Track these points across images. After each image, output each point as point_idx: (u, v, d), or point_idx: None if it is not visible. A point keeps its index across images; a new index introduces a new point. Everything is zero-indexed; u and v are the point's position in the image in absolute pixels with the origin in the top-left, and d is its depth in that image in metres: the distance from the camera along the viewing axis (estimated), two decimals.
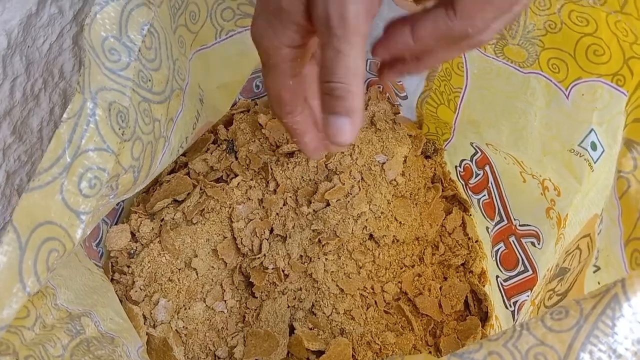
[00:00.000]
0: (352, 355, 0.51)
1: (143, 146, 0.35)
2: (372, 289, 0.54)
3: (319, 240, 0.53)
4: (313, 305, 0.53)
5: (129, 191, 0.37)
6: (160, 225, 0.56)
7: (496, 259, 0.56)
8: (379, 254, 0.55)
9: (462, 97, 0.51)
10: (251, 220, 0.55)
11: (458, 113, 0.53)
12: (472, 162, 0.58)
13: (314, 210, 0.55)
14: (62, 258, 0.30)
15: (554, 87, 0.44)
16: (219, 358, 0.52)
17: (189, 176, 0.58)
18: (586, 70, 0.41)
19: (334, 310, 0.52)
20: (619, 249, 0.32)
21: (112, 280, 0.54)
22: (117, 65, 0.34)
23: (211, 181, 0.57)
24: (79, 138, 0.31)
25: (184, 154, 0.61)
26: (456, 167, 0.60)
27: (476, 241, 0.60)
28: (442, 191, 0.60)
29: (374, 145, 0.57)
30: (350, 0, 0.26)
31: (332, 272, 0.53)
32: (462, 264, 0.59)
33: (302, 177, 0.57)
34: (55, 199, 0.30)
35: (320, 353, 0.51)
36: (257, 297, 0.54)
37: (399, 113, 0.61)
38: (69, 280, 0.40)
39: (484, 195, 0.57)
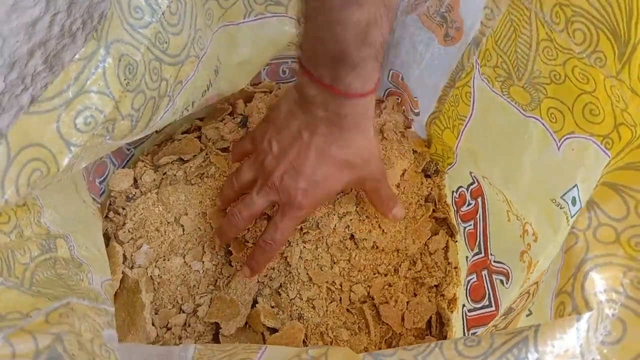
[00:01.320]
0: (304, 341, 0.53)
1: (145, 100, 0.39)
2: (341, 285, 0.57)
3: (301, 228, 0.56)
4: (280, 286, 0.56)
5: (126, 137, 0.40)
6: (162, 178, 0.59)
7: (466, 288, 0.58)
8: (355, 255, 0.57)
9: (466, 126, 0.52)
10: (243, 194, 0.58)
11: (460, 140, 0.54)
12: (467, 191, 0.59)
13: None
14: (45, 179, 0.34)
15: (549, 136, 0.45)
16: (182, 312, 0.55)
17: (199, 140, 0.62)
18: (580, 127, 0.42)
19: (297, 295, 0.55)
20: (549, 299, 0.33)
21: (106, 217, 0.58)
22: (139, 22, 0.37)
23: (218, 149, 0.60)
24: (85, 79, 0.34)
25: (200, 119, 0.64)
26: (453, 192, 0.61)
27: (455, 267, 0.61)
28: (433, 212, 0.61)
29: None
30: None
31: (306, 260, 0.56)
32: (436, 286, 0.60)
33: None
34: (51, 126, 0.33)
35: (274, 331, 0.53)
36: (232, 266, 0.57)
37: (410, 128, 0.63)
38: (59, 204, 0.44)
39: (470, 224, 0.58)
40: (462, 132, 0.53)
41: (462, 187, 0.60)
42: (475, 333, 0.55)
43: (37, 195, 0.39)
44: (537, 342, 0.29)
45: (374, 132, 0.47)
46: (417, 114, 0.60)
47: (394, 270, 0.59)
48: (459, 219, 0.60)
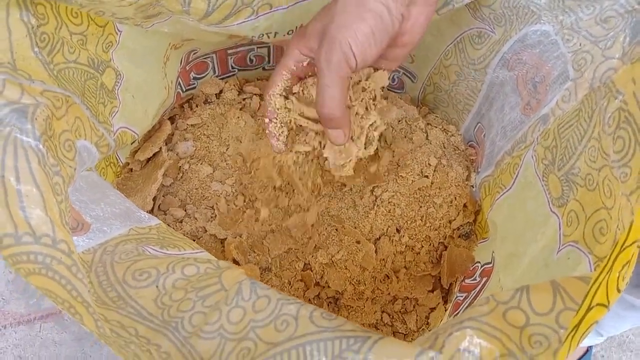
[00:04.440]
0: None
1: None
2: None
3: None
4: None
5: (202, 20, 0.45)
6: (240, 101, 0.65)
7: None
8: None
9: (500, 196, 0.50)
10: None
11: (491, 209, 0.52)
12: (480, 267, 0.57)
13: None
14: None
15: (557, 238, 0.42)
16: (186, 211, 0.60)
17: None
18: (585, 241, 0.39)
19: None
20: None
21: (181, 106, 0.65)
22: None
23: None
24: None
25: None
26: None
27: (429, 327, 0.59)
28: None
29: (428, 190, 0.59)
30: (335, 51, 0.39)
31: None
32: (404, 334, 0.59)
33: None
34: None
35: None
36: (244, 208, 0.61)
37: (471, 184, 0.62)
38: (137, 56, 0.50)
39: (462, 296, 0.56)
40: (496, 201, 0.51)
41: (479, 262, 0.58)
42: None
43: (118, 29, 0.46)
44: (373, 347, 0.29)
45: None
46: (478, 173, 0.59)
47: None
48: (457, 287, 0.58)
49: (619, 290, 0.30)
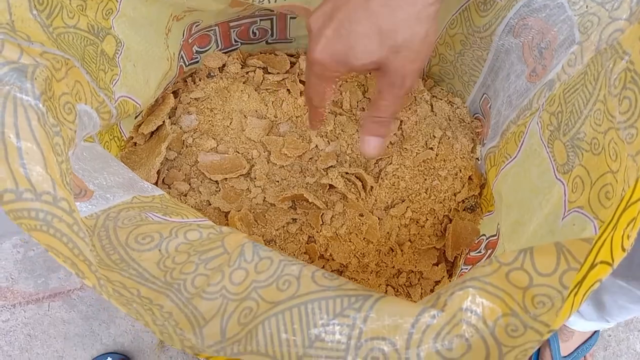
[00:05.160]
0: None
1: None
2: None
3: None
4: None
5: None
6: (243, 75, 0.65)
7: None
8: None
9: (506, 166, 0.50)
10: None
11: (496, 179, 0.52)
12: (486, 240, 0.56)
13: None
14: None
15: (562, 205, 0.42)
16: (190, 185, 0.60)
17: (292, 65, 0.66)
18: (591, 206, 0.39)
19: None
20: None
21: (184, 80, 0.65)
22: None
23: (300, 80, 0.64)
24: None
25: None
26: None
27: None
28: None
29: (433, 162, 0.59)
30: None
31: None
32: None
33: None
34: None
35: None
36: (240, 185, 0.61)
37: (477, 158, 0.61)
38: (140, 26, 0.50)
39: (466, 269, 0.56)
40: (501, 170, 0.51)
41: (484, 235, 0.58)
42: None
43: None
44: (375, 305, 0.29)
45: (433, 17, 0.38)
46: (484, 145, 0.59)
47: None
48: (462, 260, 0.58)
49: (623, 249, 0.29)
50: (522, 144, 0.48)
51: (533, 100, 0.47)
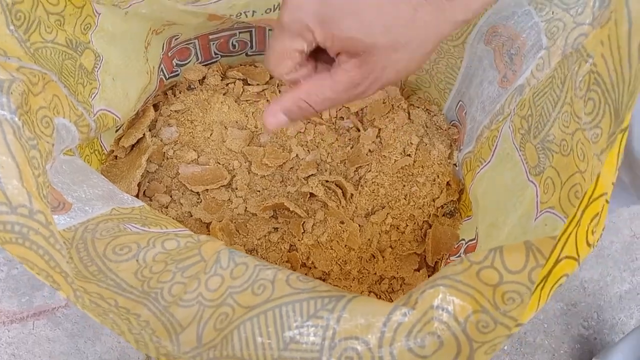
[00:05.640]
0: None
1: None
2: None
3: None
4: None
5: None
6: (223, 87, 0.65)
7: None
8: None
9: (480, 170, 0.51)
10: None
11: (472, 184, 0.53)
12: (465, 244, 0.57)
13: None
14: None
15: (534, 206, 0.43)
16: (172, 197, 0.60)
17: (270, 77, 0.67)
18: (561, 206, 0.40)
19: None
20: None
21: (164, 93, 0.65)
22: None
23: (280, 90, 0.65)
24: None
25: None
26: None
27: None
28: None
29: (411, 168, 0.60)
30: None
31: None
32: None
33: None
34: None
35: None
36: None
37: (455, 164, 0.62)
38: (119, 40, 0.51)
39: None
40: (476, 175, 0.52)
41: (464, 239, 0.58)
42: None
43: (97, 11, 0.46)
44: (347, 305, 0.29)
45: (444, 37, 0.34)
46: (460, 150, 0.60)
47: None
48: (443, 263, 0.59)
49: (589, 244, 0.30)
50: (495, 148, 0.49)
51: (505, 105, 0.48)
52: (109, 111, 0.50)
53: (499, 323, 0.29)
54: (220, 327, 0.30)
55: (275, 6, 0.51)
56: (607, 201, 0.30)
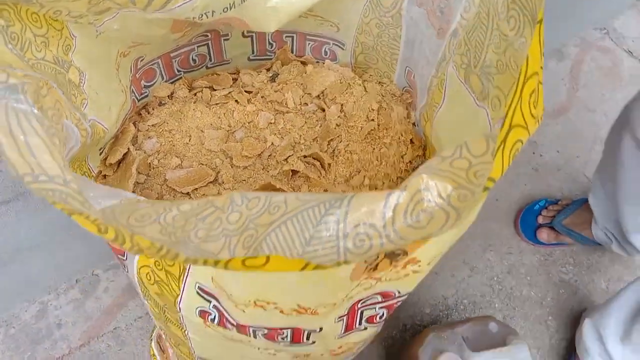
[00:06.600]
0: None
1: None
2: None
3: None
4: None
5: (147, 8, 0.51)
6: (192, 97, 0.71)
7: None
8: None
9: (436, 113, 0.58)
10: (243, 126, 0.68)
11: (433, 129, 0.60)
12: None
13: None
14: None
15: (487, 125, 0.49)
16: None
17: (234, 81, 0.73)
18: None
19: None
20: None
21: (138, 113, 0.70)
22: None
23: (245, 90, 0.71)
24: None
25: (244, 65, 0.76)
26: None
27: None
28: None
29: (377, 132, 0.66)
30: None
31: None
32: None
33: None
34: None
35: None
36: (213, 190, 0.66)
37: (414, 123, 0.69)
38: (94, 61, 0.56)
39: None
40: (434, 120, 0.58)
41: None
42: None
43: (73, 34, 0.51)
44: (351, 200, 0.35)
45: None
46: (416, 109, 0.67)
47: None
48: None
49: (533, 116, 0.37)
50: (445, 89, 0.56)
51: (446, 52, 0.55)
52: (98, 122, 0.54)
53: (477, 192, 0.35)
54: (249, 245, 0.35)
55: (231, 4, 0.57)
56: (540, 82, 0.37)
